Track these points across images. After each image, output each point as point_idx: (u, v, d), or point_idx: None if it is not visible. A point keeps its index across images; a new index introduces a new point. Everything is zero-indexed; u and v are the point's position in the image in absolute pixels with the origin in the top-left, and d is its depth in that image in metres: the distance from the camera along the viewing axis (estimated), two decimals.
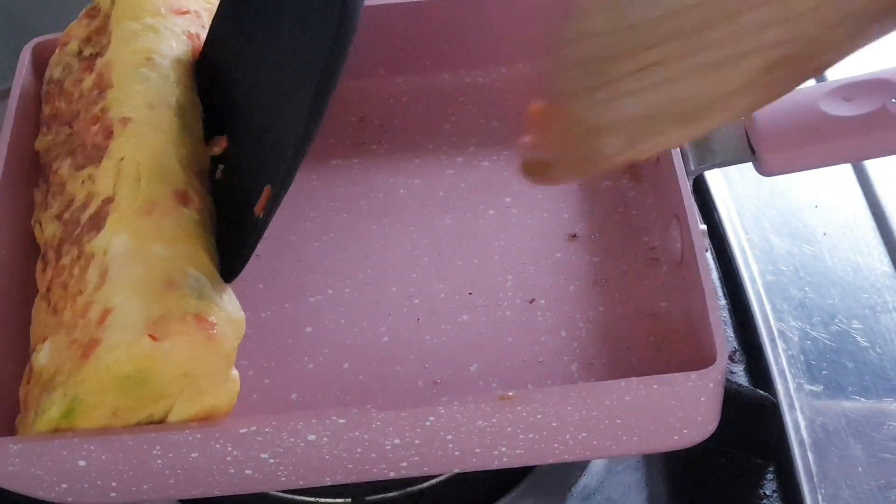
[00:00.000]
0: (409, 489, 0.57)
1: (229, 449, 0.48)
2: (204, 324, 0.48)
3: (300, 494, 0.58)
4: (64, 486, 0.50)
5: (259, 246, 0.60)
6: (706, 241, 0.53)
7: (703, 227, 0.54)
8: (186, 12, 0.60)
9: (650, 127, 0.47)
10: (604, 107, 0.47)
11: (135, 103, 0.55)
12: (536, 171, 0.50)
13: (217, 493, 0.51)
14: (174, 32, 0.59)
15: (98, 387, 0.47)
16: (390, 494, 0.57)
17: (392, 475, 0.51)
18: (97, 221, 0.51)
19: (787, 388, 0.60)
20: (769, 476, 0.59)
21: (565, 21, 0.48)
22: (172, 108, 0.55)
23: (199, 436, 0.48)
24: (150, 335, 0.47)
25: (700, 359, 0.50)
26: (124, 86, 0.56)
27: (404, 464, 0.50)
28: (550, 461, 0.51)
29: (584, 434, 0.49)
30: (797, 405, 0.60)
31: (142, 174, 0.52)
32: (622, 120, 0.47)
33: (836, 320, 0.63)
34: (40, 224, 0.56)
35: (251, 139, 0.53)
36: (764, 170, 0.57)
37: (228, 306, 0.50)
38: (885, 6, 0.43)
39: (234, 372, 0.49)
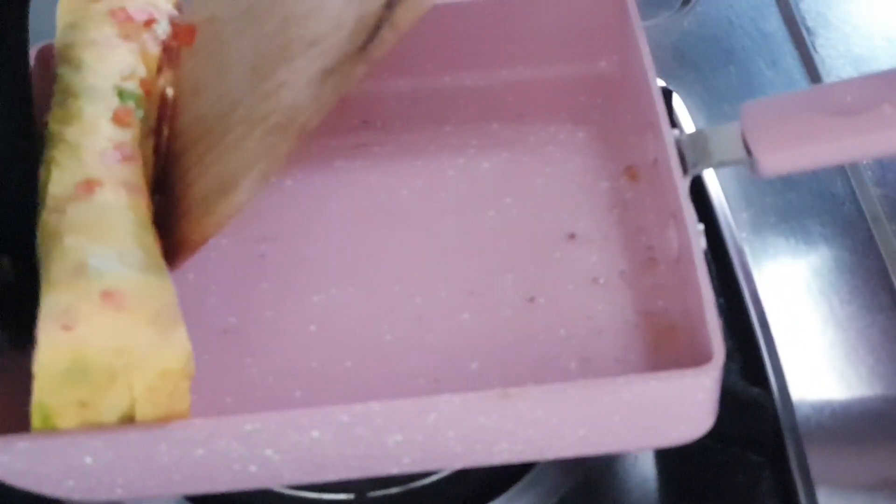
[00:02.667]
0: (410, 485, 0.58)
1: (234, 446, 0.49)
2: (111, 298, 0.48)
3: (304, 490, 0.58)
4: (70, 482, 0.50)
5: (263, 246, 0.61)
6: (703, 241, 0.53)
7: (700, 226, 0.54)
8: None
9: (207, 205, 0.53)
10: (183, 195, 0.54)
11: (51, 104, 0.56)
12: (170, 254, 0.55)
13: (222, 489, 0.52)
14: (93, 18, 0.60)
15: (50, 388, 0.48)
16: (392, 490, 0.58)
17: (394, 471, 0.51)
18: None
19: (783, 386, 0.61)
20: (766, 474, 0.59)
21: None
22: (79, 96, 0.56)
23: (204, 433, 0.49)
24: (63, 326, 0.47)
25: (697, 356, 0.50)
26: (51, 90, 0.57)
27: (406, 459, 0.51)
28: (550, 457, 0.52)
29: (582, 430, 0.50)
30: (793, 403, 0.60)
31: (50, 175, 0.53)
32: (193, 203, 0.54)
33: (832, 320, 0.64)
34: None
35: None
36: (760, 170, 0.57)
37: (141, 273, 0.50)
38: (333, 67, 0.51)
39: (179, 332, 0.49)
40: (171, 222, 0.54)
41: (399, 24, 0.52)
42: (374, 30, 0.51)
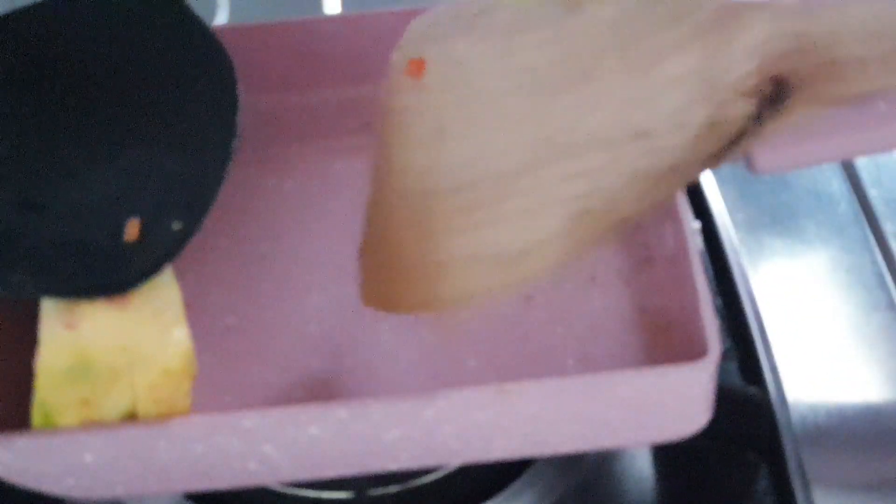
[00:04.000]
0: (409, 483, 0.58)
1: (233, 442, 0.49)
2: (114, 297, 0.49)
3: (303, 488, 0.58)
4: (70, 480, 0.50)
5: (263, 246, 0.61)
6: (699, 239, 0.54)
7: (696, 225, 0.54)
8: None
9: (476, 269, 0.49)
10: (434, 242, 0.49)
11: None
12: (380, 302, 0.51)
13: (221, 486, 0.52)
14: None
15: (52, 386, 0.48)
16: (392, 488, 0.58)
17: (392, 467, 0.51)
18: None
19: (779, 386, 0.61)
20: (762, 472, 0.60)
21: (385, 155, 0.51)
22: None
23: (203, 429, 0.49)
24: (66, 324, 0.48)
25: (693, 353, 0.50)
26: None
27: (404, 456, 0.51)
28: (547, 452, 0.52)
29: (578, 426, 0.50)
30: (789, 402, 0.60)
31: None
32: (452, 258, 0.49)
33: (828, 319, 0.64)
34: None
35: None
36: (756, 167, 0.56)
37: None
38: (669, 169, 0.47)
39: (182, 332, 0.50)
40: (386, 266, 0.51)
41: (766, 136, 0.48)
42: (734, 140, 0.47)
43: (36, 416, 0.49)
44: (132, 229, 0.51)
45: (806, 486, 0.57)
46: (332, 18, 0.68)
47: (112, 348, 0.48)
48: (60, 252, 0.51)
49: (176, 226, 0.51)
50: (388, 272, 0.51)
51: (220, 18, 0.86)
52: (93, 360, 0.48)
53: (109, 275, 0.50)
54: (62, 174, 0.54)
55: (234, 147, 0.53)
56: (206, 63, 0.56)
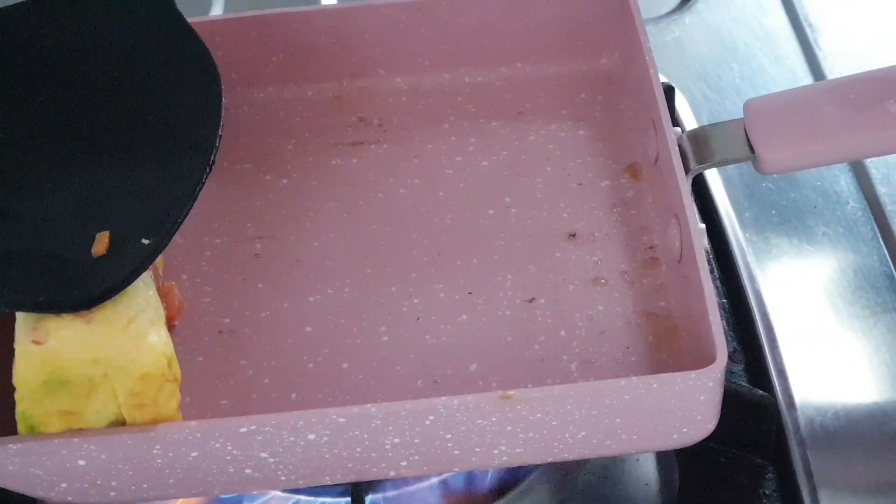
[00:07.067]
0: (407, 488, 0.58)
1: (229, 448, 0.49)
2: (80, 312, 0.48)
3: (300, 494, 0.58)
4: (63, 485, 0.50)
5: (258, 245, 0.61)
6: (705, 241, 0.53)
7: (702, 226, 0.54)
8: None
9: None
10: None
11: None
12: None
13: (217, 492, 0.52)
14: None
15: (31, 399, 0.48)
16: (390, 493, 0.58)
17: (392, 474, 0.51)
18: None
19: (786, 388, 0.60)
20: (769, 476, 0.59)
21: None
22: None
23: (198, 435, 0.48)
24: (33, 341, 0.48)
25: (699, 358, 0.50)
26: None
27: (404, 463, 0.50)
28: (550, 460, 0.51)
29: (583, 433, 0.49)
30: (797, 405, 0.60)
31: None
32: None
33: (836, 321, 0.63)
34: None
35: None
36: (763, 168, 0.57)
37: None
38: None
39: (155, 338, 0.49)
40: None
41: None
42: None
43: (20, 428, 0.49)
44: (101, 242, 0.50)
45: (813, 489, 0.57)
46: (329, 10, 0.67)
47: (83, 362, 0.48)
48: (26, 263, 0.50)
49: (146, 241, 0.50)
50: None
51: (216, 10, 0.85)
52: (67, 374, 0.48)
53: (75, 291, 0.49)
54: (33, 181, 0.53)
55: (212, 164, 0.52)
56: (192, 74, 0.55)
